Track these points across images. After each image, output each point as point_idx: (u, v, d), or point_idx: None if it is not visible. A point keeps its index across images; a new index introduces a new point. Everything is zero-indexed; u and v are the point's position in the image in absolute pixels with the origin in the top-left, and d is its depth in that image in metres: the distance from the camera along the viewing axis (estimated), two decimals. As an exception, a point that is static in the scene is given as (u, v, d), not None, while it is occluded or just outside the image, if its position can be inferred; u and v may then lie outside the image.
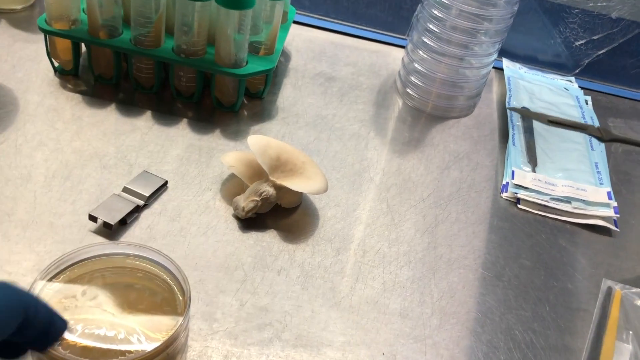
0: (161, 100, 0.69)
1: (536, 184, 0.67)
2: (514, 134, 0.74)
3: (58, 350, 0.36)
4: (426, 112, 0.77)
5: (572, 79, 0.90)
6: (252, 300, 0.50)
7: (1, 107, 0.62)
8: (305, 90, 0.76)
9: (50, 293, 0.39)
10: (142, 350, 0.37)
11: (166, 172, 0.59)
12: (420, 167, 0.67)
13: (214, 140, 0.64)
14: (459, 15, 0.70)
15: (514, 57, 0.91)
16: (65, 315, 0.37)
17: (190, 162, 0.61)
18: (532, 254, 0.60)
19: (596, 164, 0.72)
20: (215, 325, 0.47)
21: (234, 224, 0.56)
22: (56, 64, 0.68)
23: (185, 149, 0.62)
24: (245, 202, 0.55)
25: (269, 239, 0.55)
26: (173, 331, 0.38)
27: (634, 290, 0.57)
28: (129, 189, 0.55)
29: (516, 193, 0.66)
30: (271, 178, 0.56)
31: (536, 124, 0.76)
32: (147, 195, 0.55)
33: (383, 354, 0.48)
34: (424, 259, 0.57)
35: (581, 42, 0.90)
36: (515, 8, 0.71)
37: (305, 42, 0.85)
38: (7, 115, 0.62)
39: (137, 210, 0.54)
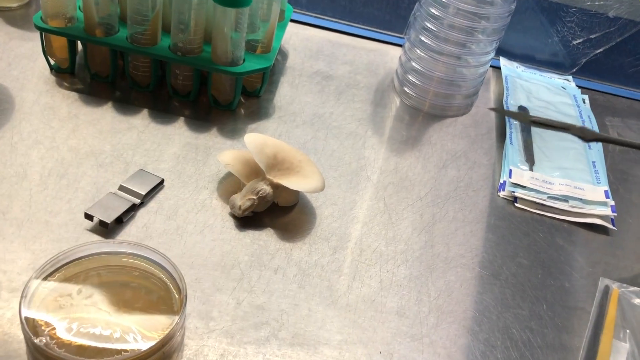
0: (157, 98, 0.68)
1: (533, 182, 0.66)
2: (511, 132, 0.74)
3: (53, 349, 0.36)
4: (424, 110, 0.77)
5: (570, 77, 0.90)
6: (249, 298, 0.49)
7: (-3, 105, 0.62)
8: (303, 89, 0.75)
9: (46, 292, 0.39)
10: (137, 349, 0.37)
11: (162, 171, 0.59)
12: (417, 166, 0.67)
13: (211, 138, 0.64)
14: (457, 13, 0.70)
15: (512, 55, 0.91)
16: (61, 314, 0.37)
17: (187, 161, 0.61)
18: (530, 253, 0.60)
19: (593, 163, 0.72)
20: (211, 324, 0.47)
21: (230, 223, 0.56)
22: (52, 62, 0.68)
23: (182, 147, 0.62)
24: (242, 200, 0.55)
25: (266, 237, 0.55)
26: (169, 330, 0.38)
27: (631, 288, 0.57)
28: (125, 187, 0.55)
29: (513, 192, 0.66)
30: (268, 176, 0.56)
31: (533, 123, 0.76)
32: (144, 193, 0.55)
33: (380, 352, 0.48)
34: (421, 258, 0.57)
35: (579, 41, 0.90)
36: (513, 6, 0.71)
37: (303, 41, 0.85)
38: (2, 113, 0.61)
39: (133, 208, 0.54)
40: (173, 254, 0.51)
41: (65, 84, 0.67)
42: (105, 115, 0.64)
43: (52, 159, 0.58)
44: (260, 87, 0.71)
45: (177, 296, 0.41)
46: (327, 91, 0.76)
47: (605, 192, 0.67)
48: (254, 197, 0.55)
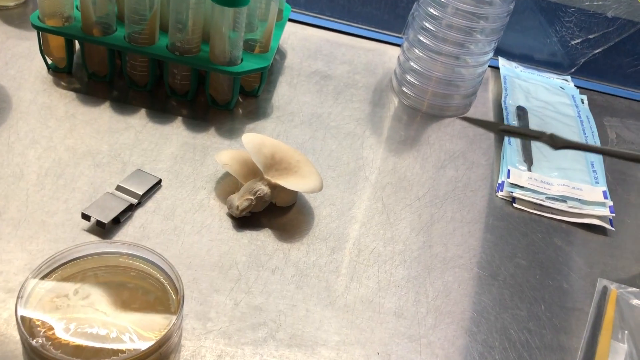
0: (155, 98, 0.68)
1: (532, 183, 0.66)
2: (509, 132, 0.74)
3: (50, 350, 0.35)
4: (422, 110, 0.77)
5: (568, 78, 0.90)
6: (246, 299, 0.49)
7: (-6, 105, 0.62)
8: (301, 89, 0.75)
9: (42, 292, 0.39)
10: (134, 349, 0.37)
11: (160, 171, 0.59)
12: (415, 166, 0.67)
13: (209, 138, 0.64)
14: (455, 13, 0.70)
15: (510, 55, 0.91)
16: (58, 315, 0.37)
17: (185, 161, 0.61)
18: (528, 253, 0.60)
19: (592, 163, 0.72)
20: (209, 325, 0.47)
21: (228, 223, 0.55)
22: (49, 62, 0.68)
23: (180, 147, 0.62)
24: (240, 200, 0.55)
25: (264, 237, 0.55)
26: (166, 330, 0.38)
27: (630, 289, 0.57)
28: (123, 187, 0.55)
29: (512, 192, 0.65)
30: (266, 177, 0.55)
31: (532, 123, 0.76)
32: (141, 193, 0.55)
33: (378, 353, 0.48)
34: (419, 258, 0.56)
35: (577, 41, 0.90)
36: (511, 6, 0.71)
37: (301, 40, 0.85)
38: (-1, 112, 0.61)
39: (131, 208, 0.54)
40: (170, 255, 0.51)
41: (63, 83, 0.67)
42: (103, 114, 0.64)
43: (49, 159, 0.57)
44: (259, 87, 0.71)
45: (174, 297, 0.40)
46: (326, 91, 0.76)
47: (604, 192, 0.67)
48: (252, 197, 0.55)
